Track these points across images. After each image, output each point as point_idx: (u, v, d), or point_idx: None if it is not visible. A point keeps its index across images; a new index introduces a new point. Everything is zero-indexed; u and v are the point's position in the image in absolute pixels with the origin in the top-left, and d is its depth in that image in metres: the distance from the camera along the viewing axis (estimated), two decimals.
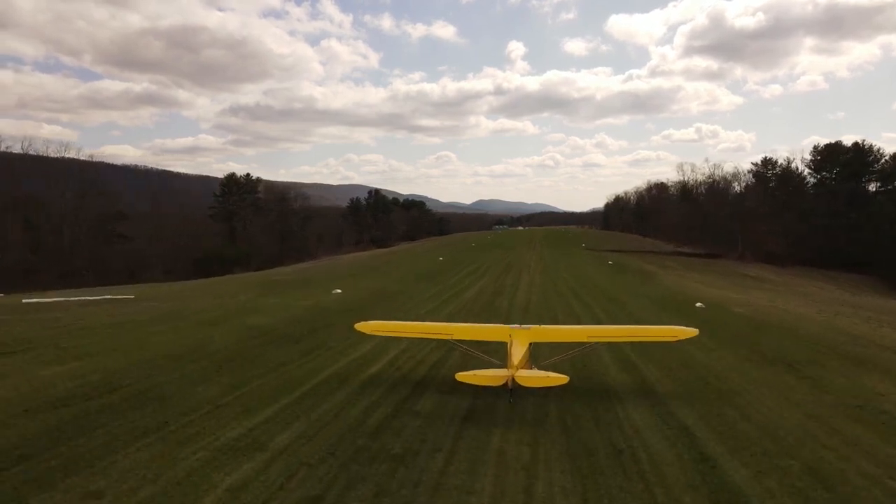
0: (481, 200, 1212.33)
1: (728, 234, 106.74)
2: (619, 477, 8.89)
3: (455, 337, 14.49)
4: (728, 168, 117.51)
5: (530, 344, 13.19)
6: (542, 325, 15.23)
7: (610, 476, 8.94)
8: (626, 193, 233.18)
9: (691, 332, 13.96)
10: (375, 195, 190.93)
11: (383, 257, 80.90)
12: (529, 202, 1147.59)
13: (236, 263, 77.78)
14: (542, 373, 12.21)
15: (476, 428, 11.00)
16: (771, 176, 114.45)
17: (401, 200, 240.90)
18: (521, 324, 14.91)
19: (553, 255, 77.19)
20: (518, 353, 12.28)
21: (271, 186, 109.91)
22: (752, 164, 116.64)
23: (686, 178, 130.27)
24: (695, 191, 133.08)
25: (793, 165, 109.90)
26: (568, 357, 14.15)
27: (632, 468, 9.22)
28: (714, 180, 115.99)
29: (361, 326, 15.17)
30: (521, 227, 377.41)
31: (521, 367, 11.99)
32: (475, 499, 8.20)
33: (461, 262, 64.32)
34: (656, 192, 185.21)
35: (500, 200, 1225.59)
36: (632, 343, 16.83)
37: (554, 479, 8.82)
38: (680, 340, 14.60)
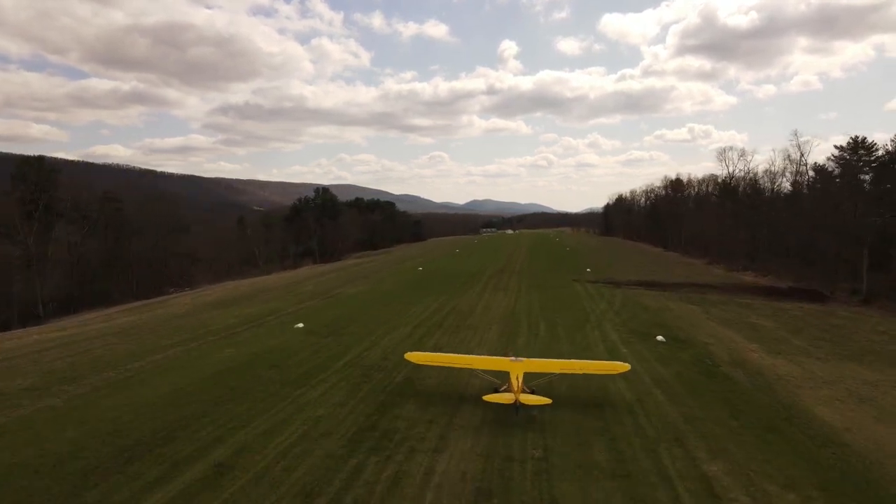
0: (475, 200, 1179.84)
1: (805, 253, 69.41)
2: None
3: (475, 366, 21.05)
4: (817, 153, 79.37)
5: (524, 372, 19.03)
6: (530, 359, 21.29)
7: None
8: (631, 193, 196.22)
9: (625, 366, 20.97)
10: (323, 194, 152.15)
11: (187, 319, 41.35)
12: (523, 202, 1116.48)
13: None
14: (536, 397, 18.24)
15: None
16: (863, 165, 77.13)
17: (365, 200, 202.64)
18: (516, 357, 20.82)
19: (537, 316, 38.60)
20: (517, 381, 18.31)
21: (79, 183, 69.40)
22: (836, 147, 78.80)
23: (731, 171, 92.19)
24: (740, 188, 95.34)
25: None
26: (546, 380, 20.09)
27: None
28: (798, 171, 78.38)
29: (409, 356, 21.53)
30: (510, 231, 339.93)
31: (521, 390, 18.08)
32: None
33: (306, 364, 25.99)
34: (671, 192, 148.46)
35: (493, 200, 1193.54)
36: None
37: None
38: (619, 373, 21.24)
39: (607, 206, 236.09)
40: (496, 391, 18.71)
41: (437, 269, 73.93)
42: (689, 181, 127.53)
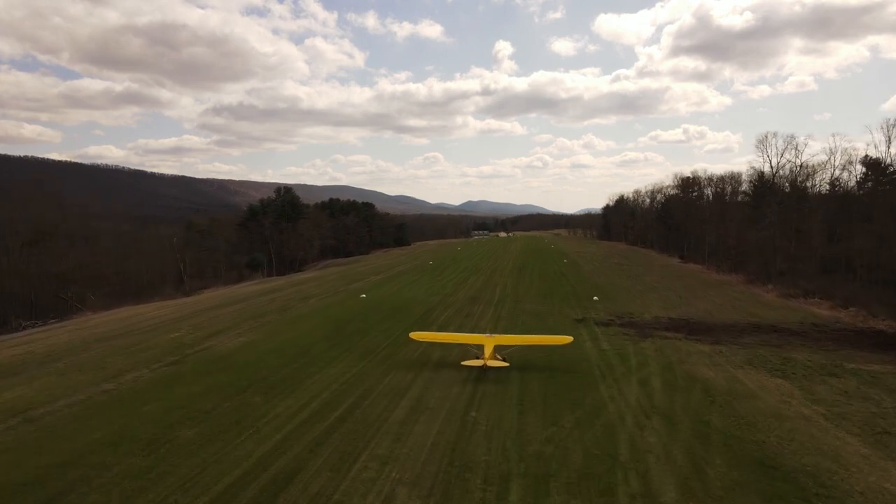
0: (470, 201, 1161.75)
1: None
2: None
3: (460, 341, 28.72)
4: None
5: (494, 345, 26.21)
6: (500, 335, 29.98)
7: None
8: (635, 193, 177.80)
9: (568, 339, 28.20)
10: (285, 194, 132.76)
11: None
12: (518, 203, 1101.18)
13: None
14: (498, 361, 25.30)
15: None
16: None
17: (341, 201, 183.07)
18: (490, 333, 29.30)
19: (512, 426, 19.40)
20: (488, 351, 25.46)
21: None
22: None
23: (776, 163, 72.97)
24: (783, 185, 76.42)
25: None
26: (511, 351, 26.78)
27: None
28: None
29: (414, 335, 29.50)
30: (503, 234, 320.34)
31: (490, 358, 25.10)
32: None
33: None
34: (681, 192, 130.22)
35: (488, 201, 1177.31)
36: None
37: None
38: (565, 344, 27.60)
39: (607, 208, 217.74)
40: (477, 357, 25.63)
41: (390, 294, 54.68)
42: (710, 178, 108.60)
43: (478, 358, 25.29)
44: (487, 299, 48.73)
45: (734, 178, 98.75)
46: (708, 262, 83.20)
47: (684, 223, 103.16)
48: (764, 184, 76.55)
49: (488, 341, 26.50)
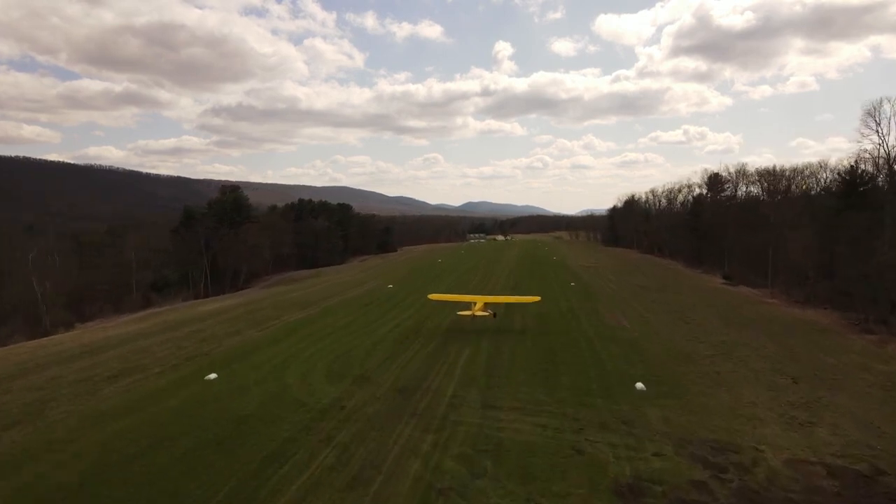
0: (470, 202, 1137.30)
1: None
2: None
3: (460, 299, 42.09)
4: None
5: (484, 303, 39.20)
6: (489, 295, 46.34)
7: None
8: (651, 193, 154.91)
9: (536, 298, 41.84)
10: (230, 193, 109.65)
11: None
12: (519, 204, 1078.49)
13: None
14: (484, 312, 38.16)
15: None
16: None
17: (314, 202, 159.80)
18: (482, 295, 45.08)
19: None
20: (478, 305, 38.30)
21: None
22: None
23: (890, 146, 49.42)
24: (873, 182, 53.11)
25: None
26: (498, 308, 41.46)
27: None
28: None
29: (432, 296, 44.77)
30: (500, 237, 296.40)
31: (478, 310, 37.71)
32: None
33: None
34: (708, 192, 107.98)
35: (488, 202, 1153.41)
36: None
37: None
38: (535, 302, 41.58)
39: (614, 210, 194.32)
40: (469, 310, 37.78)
41: (268, 371, 30.96)
42: (760, 172, 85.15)
43: (468, 310, 37.96)
44: (429, 403, 25.18)
45: (795, 172, 75.68)
46: (772, 286, 59.83)
47: (724, 230, 79.94)
48: (859, 176, 53.21)
49: (479, 300, 39.92)
